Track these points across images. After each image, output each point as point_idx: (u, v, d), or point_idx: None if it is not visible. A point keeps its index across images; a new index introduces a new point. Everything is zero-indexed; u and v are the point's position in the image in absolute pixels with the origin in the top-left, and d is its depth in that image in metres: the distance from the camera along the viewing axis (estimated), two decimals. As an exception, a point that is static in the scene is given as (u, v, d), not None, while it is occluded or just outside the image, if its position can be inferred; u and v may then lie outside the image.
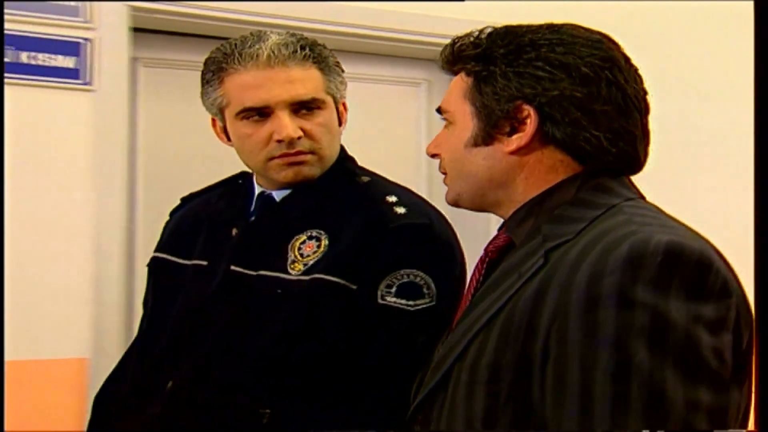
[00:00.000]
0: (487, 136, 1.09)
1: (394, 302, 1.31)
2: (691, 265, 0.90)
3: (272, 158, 1.37)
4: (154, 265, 1.53)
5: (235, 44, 1.36)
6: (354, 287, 1.32)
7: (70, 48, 2.26)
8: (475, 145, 1.10)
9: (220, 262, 1.40)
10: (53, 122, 2.25)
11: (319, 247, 1.36)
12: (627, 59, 1.09)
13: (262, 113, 1.36)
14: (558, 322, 0.92)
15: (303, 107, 1.36)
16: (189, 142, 2.42)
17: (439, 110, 1.17)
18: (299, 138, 1.36)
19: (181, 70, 2.44)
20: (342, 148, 1.47)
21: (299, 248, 1.36)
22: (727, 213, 2.69)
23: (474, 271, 1.17)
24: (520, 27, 1.10)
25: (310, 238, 1.37)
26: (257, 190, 1.46)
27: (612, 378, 0.87)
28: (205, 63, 1.40)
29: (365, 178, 1.46)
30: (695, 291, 0.89)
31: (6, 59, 2.19)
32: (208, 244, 1.45)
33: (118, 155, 2.29)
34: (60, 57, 2.25)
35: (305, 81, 1.36)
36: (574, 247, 0.96)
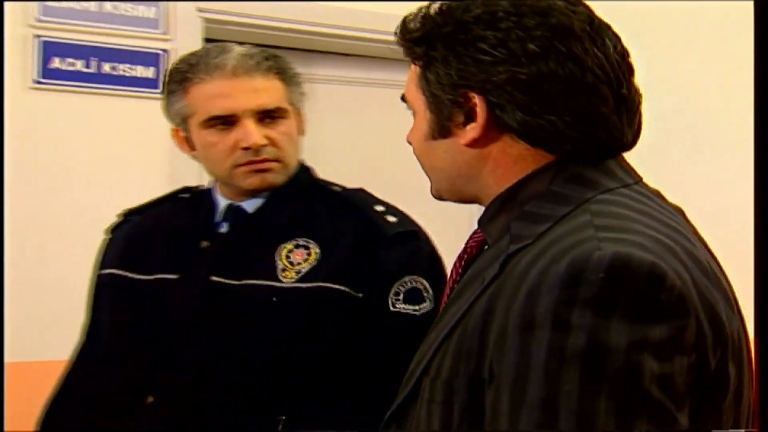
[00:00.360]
0: (441, 128, 0.98)
1: (404, 309, 1.34)
2: (639, 281, 0.79)
3: (238, 166, 1.38)
4: (108, 281, 1.48)
5: (200, 55, 1.38)
6: (359, 295, 1.34)
7: (150, 59, 2.41)
8: (434, 138, 0.99)
9: (193, 274, 1.39)
10: (133, 129, 2.40)
11: (309, 255, 1.36)
12: (592, 21, 0.94)
13: (227, 122, 1.37)
14: (500, 342, 0.83)
15: (267, 116, 1.38)
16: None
17: (403, 98, 1.07)
18: (265, 146, 1.37)
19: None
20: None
21: (288, 256, 1.37)
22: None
23: (452, 269, 1.08)
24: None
25: (297, 246, 1.38)
26: (222, 201, 1.46)
27: (540, 409, 0.78)
28: (169, 74, 1.43)
29: (337, 188, 1.47)
30: (641, 311, 0.78)
31: (90, 70, 2.36)
32: (172, 258, 1.43)
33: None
34: (140, 67, 2.40)
35: (269, 91, 1.37)
36: (527, 255, 0.86)
